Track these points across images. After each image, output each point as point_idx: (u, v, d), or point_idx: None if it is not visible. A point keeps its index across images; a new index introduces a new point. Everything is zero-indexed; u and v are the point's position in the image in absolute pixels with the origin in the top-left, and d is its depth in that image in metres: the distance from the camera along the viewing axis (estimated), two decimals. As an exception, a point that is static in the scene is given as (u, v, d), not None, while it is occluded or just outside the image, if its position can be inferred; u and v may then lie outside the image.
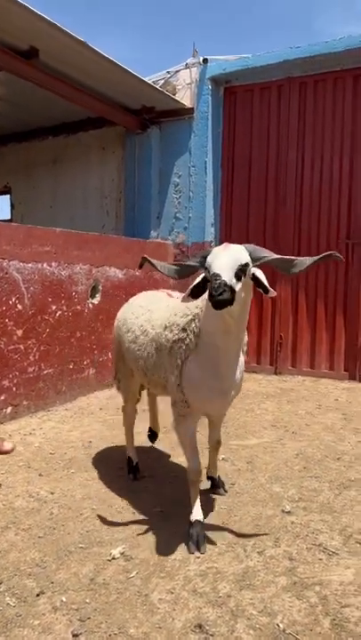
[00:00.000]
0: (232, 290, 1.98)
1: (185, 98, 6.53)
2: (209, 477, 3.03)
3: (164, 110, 6.52)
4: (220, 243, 6.78)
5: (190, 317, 2.45)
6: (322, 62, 5.98)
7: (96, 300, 5.30)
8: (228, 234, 6.70)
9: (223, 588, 2.10)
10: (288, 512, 2.75)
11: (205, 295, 2.19)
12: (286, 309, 6.34)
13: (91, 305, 5.22)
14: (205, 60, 6.36)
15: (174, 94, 6.52)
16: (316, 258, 2.09)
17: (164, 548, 2.39)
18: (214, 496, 2.95)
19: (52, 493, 3.00)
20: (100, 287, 5.35)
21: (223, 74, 6.38)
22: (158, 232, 6.78)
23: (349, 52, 5.75)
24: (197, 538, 2.40)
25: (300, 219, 6.32)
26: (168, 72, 6.61)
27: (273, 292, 2.13)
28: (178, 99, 6.45)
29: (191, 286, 2.20)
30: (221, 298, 1.93)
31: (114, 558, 2.30)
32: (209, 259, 2.09)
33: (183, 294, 2.27)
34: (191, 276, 2.29)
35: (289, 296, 6.34)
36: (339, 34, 5.91)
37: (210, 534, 2.50)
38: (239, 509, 2.76)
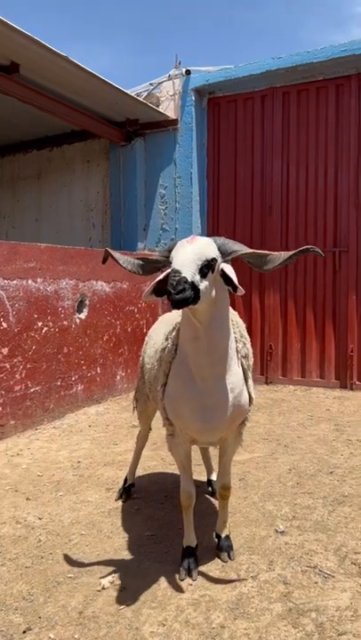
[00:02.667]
0: (194, 287, 1.80)
1: (168, 109, 6.51)
2: (216, 536, 2.55)
3: (148, 122, 6.50)
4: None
5: (172, 326, 2.34)
6: (304, 72, 6.00)
7: (83, 315, 5.23)
8: (215, 244, 6.65)
9: (217, 617, 2.03)
10: (282, 532, 2.69)
11: None
12: (275, 318, 6.31)
13: (78, 320, 5.15)
14: (188, 72, 6.36)
15: (158, 106, 6.51)
16: (291, 253, 1.94)
17: (156, 576, 2.32)
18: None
19: (39, 519, 2.92)
20: (87, 302, 5.28)
21: (206, 85, 6.38)
22: (145, 244, 6.74)
23: (331, 62, 5.77)
24: (189, 565, 2.33)
25: (287, 228, 6.30)
26: (151, 84, 6.60)
27: (241, 291, 1.95)
28: (161, 110, 6.44)
29: (153, 282, 2.02)
30: (180, 297, 1.75)
31: (103, 588, 2.23)
32: (173, 253, 1.94)
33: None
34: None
35: (278, 305, 6.31)
36: (323, 42, 5.93)
37: (203, 558, 2.43)
38: (232, 530, 2.69)
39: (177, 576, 2.32)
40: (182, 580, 2.28)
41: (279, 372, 6.33)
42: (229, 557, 2.44)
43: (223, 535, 2.51)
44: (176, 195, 6.57)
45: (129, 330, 5.94)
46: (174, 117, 6.46)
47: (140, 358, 3.04)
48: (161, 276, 2.00)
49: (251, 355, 2.42)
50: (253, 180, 6.46)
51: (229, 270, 1.97)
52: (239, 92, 6.40)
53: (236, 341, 2.25)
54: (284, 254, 1.95)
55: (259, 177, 6.43)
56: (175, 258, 1.88)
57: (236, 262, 2.07)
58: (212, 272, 1.92)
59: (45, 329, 4.74)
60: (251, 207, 6.49)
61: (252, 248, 6.52)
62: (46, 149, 7.33)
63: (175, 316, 2.68)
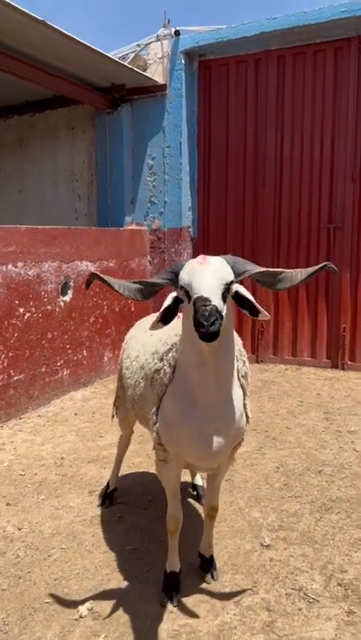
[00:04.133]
0: (222, 316, 1.65)
1: (157, 73, 6.13)
2: (199, 555, 2.46)
3: (135, 87, 6.13)
4: (198, 228, 6.56)
5: (169, 346, 2.15)
6: (301, 34, 5.62)
7: (67, 298, 5.05)
8: (205, 219, 6.43)
9: (197, 653, 1.97)
10: (267, 546, 2.63)
11: (179, 319, 1.91)
12: (267, 297, 6.14)
13: (62, 303, 4.97)
14: (177, 33, 5.95)
15: (145, 69, 6.12)
16: (310, 272, 1.80)
17: (136, 601, 2.25)
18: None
19: (19, 529, 2.83)
20: (72, 283, 5.09)
21: (196, 47, 5.98)
22: (133, 217, 6.48)
23: (330, 24, 5.40)
24: (171, 590, 2.25)
25: (280, 202, 6.06)
26: (138, 45, 6.19)
27: (266, 315, 1.83)
28: (149, 74, 6.06)
29: (161, 310, 1.83)
30: (214, 328, 1.59)
31: (81, 617, 2.16)
32: (185, 277, 1.75)
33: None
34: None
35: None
36: (321, 2, 5.54)
37: (186, 577, 2.36)
38: (217, 543, 2.61)
39: (159, 599, 2.25)
40: (163, 607, 2.21)
41: (270, 350, 6.22)
42: (213, 578, 2.37)
43: (207, 556, 2.42)
44: (165, 166, 6.27)
45: (116, 310, 5.77)
46: (163, 82, 6.09)
47: (118, 366, 2.88)
48: (169, 302, 1.83)
49: (249, 373, 2.26)
50: (246, 150, 6.16)
51: (245, 292, 1.84)
52: (232, 55, 6.01)
53: (236, 359, 2.08)
54: (301, 274, 1.81)
55: (252, 146, 6.13)
56: (197, 283, 1.70)
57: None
58: (229, 296, 1.78)
59: (28, 315, 4.56)
60: (243, 179, 6.21)
61: (244, 225, 6.29)
62: (28, 115, 6.93)
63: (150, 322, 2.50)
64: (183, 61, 6.04)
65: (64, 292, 5.02)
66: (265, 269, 1.86)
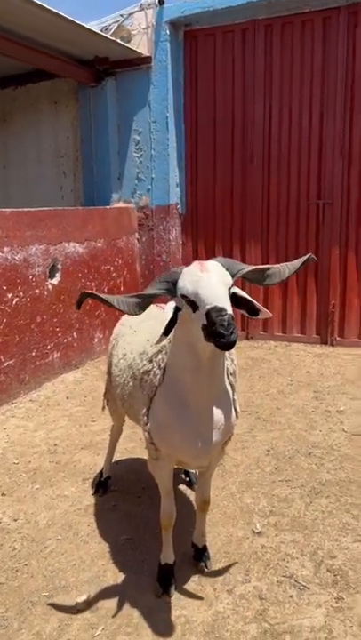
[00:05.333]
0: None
1: (141, 45, 5.94)
2: (192, 545, 2.51)
3: (119, 60, 5.95)
4: (186, 205, 6.47)
5: (158, 348, 2.16)
6: (289, 3, 5.46)
7: (56, 281, 5.00)
8: (193, 195, 6.35)
9: (192, 644, 2.04)
10: (258, 532, 2.69)
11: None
12: (256, 274, 6.12)
13: (50, 286, 4.93)
14: (161, 2, 5.75)
15: (129, 41, 5.94)
16: (297, 264, 1.85)
17: (132, 592, 2.31)
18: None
19: (15, 520, 2.88)
20: (60, 266, 5.04)
21: (182, 17, 5.79)
22: (120, 194, 6.38)
23: (319, -8, 5.24)
24: (166, 581, 2.31)
25: (269, 177, 5.98)
26: (121, 15, 5.98)
27: (268, 313, 1.86)
28: (133, 46, 5.88)
29: (165, 324, 1.79)
30: (234, 337, 1.61)
31: (79, 611, 2.22)
32: (188, 286, 1.74)
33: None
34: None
35: (260, 259, 6.12)
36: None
37: (180, 567, 2.42)
38: (210, 531, 2.67)
39: (153, 589, 2.32)
40: (158, 597, 2.28)
41: (260, 327, 6.25)
42: (206, 567, 2.44)
43: (200, 546, 2.48)
44: (151, 141, 6.15)
45: (106, 290, 5.74)
46: (148, 54, 5.91)
47: (107, 360, 2.89)
48: (170, 315, 1.79)
49: (238, 370, 2.28)
50: (234, 124, 6.05)
51: (242, 292, 1.86)
52: (218, 25, 5.83)
53: (225, 358, 2.10)
54: (287, 268, 1.84)
55: (240, 120, 6.01)
56: (204, 292, 1.69)
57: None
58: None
59: (16, 300, 4.53)
60: (231, 154, 6.11)
61: (233, 201, 6.25)
62: (9, 89, 6.73)
63: (139, 320, 2.50)
64: (168, 32, 5.86)
65: (52, 275, 4.97)
66: (254, 267, 1.87)
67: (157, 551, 2.43)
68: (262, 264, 6.04)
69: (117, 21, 6.00)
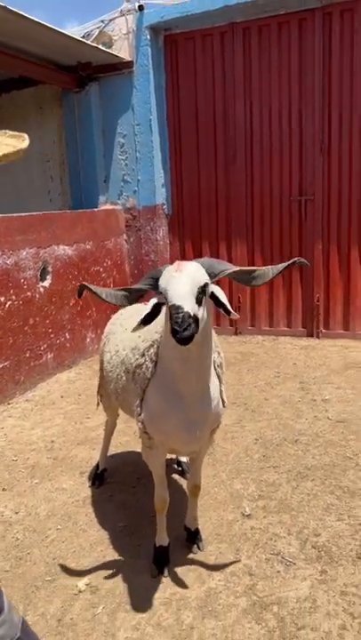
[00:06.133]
0: (196, 320, 1.77)
1: (123, 49, 6.08)
2: (185, 528, 2.66)
3: (101, 65, 6.07)
4: (172, 205, 6.62)
5: (149, 343, 2.30)
6: (265, 5, 5.61)
7: (47, 283, 5.13)
8: (179, 195, 6.49)
9: (187, 617, 2.19)
10: (248, 515, 2.85)
11: (162, 317, 2.05)
12: (242, 270, 6.28)
13: (42, 289, 5.06)
14: (141, 8, 5.88)
15: (111, 46, 6.06)
16: (281, 267, 1.93)
17: (129, 574, 2.46)
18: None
19: (16, 513, 3.02)
20: (50, 268, 5.17)
21: (161, 22, 5.93)
22: (107, 196, 6.51)
23: (293, -5, 5.40)
24: (161, 562, 2.46)
25: (252, 176, 6.14)
26: (102, 21, 6.11)
27: (236, 315, 1.96)
28: (115, 51, 6.01)
29: (142, 316, 1.95)
30: (187, 333, 1.72)
31: (80, 591, 2.36)
32: (162, 283, 1.87)
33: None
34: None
35: (245, 256, 6.28)
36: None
37: (174, 549, 2.57)
38: (202, 515, 2.83)
39: (150, 570, 2.47)
40: (154, 577, 2.43)
41: (248, 322, 6.41)
42: (199, 549, 2.59)
43: (193, 529, 2.64)
44: (136, 143, 6.28)
45: (95, 290, 5.86)
46: (129, 59, 6.04)
47: (100, 357, 3.03)
48: (148, 309, 1.95)
49: (224, 363, 2.43)
50: (216, 125, 6.20)
51: (219, 292, 1.96)
52: (197, 29, 5.98)
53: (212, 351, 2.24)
54: (272, 270, 1.93)
55: (221, 121, 6.17)
56: (170, 291, 1.81)
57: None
58: (205, 297, 1.90)
59: (9, 303, 4.65)
60: (214, 154, 6.27)
61: (217, 200, 6.37)
62: (-6, 95, 6.83)
63: (129, 318, 2.66)
64: (149, 37, 5.99)
65: (43, 278, 5.10)
66: (239, 268, 1.99)
67: (152, 536, 2.57)
68: (248, 261, 6.24)
69: (99, 27, 6.13)
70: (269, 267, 1.98)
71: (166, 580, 2.41)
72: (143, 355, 2.32)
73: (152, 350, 2.28)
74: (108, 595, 2.34)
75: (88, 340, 5.77)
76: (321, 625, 2.09)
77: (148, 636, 2.10)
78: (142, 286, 2.00)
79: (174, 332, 1.73)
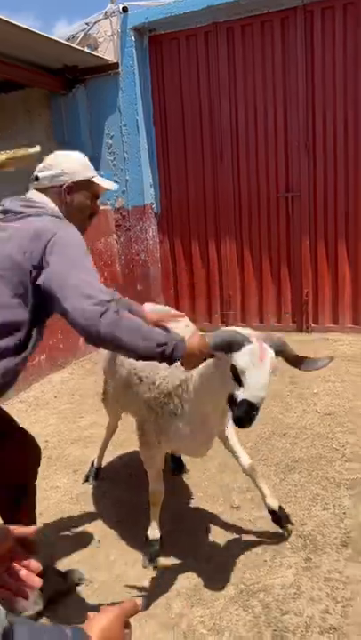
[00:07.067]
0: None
1: (108, 51, 6.13)
2: (269, 511, 2.64)
3: (87, 67, 6.12)
4: (161, 204, 6.68)
5: (177, 383, 2.24)
6: (248, 5, 5.66)
7: (38, 285, 5.19)
8: (167, 194, 6.56)
9: (176, 606, 2.28)
10: (237, 507, 2.94)
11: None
12: (233, 267, 6.37)
13: (33, 291, 5.12)
14: (125, 9, 5.93)
15: (96, 48, 6.11)
16: (325, 362, 2.07)
17: (123, 567, 2.56)
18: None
19: (12, 511, 3.10)
20: (41, 271, 5.23)
21: (146, 23, 5.97)
22: (96, 197, 6.56)
23: (275, -6, 5.46)
24: (152, 554, 2.55)
25: (239, 174, 6.21)
26: (87, 23, 6.15)
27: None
28: (100, 53, 6.06)
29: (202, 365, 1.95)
30: (250, 425, 1.81)
31: (76, 584, 2.45)
32: (241, 362, 1.82)
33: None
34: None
35: (234, 253, 6.36)
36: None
37: (164, 542, 2.66)
38: (193, 508, 2.92)
39: (142, 565, 2.56)
40: (145, 568, 2.52)
41: (239, 319, 6.49)
42: (287, 532, 2.62)
43: (277, 507, 2.62)
44: (123, 144, 6.34)
45: (87, 291, 5.94)
46: (115, 60, 6.09)
47: (106, 364, 3.02)
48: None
49: None
50: (202, 124, 6.26)
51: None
52: (181, 30, 6.03)
53: None
54: (317, 363, 2.07)
55: (207, 120, 6.22)
56: (254, 383, 1.81)
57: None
58: None
59: (1, 306, 4.71)
60: (201, 153, 6.33)
61: (206, 198, 6.39)
62: (-18, 99, 6.88)
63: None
64: (133, 38, 6.04)
65: (34, 280, 5.16)
66: (296, 355, 2.08)
67: (143, 531, 2.67)
68: (237, 257, 6.32)
69: (84, 29, 6.17)
70: (318, 358, 2.08)
71: (157, 572, 2.50)
72: (170, 394, 2.29)
73: (180, 390, 2.25)
74: (101, 587, 2.44)
75: (80, 340, 5.81)
76: (304, 610, 2.19)
77: (138, 625, 2.19)
78: (215, 345, 1.88)
79: (239, 422, 1.80)
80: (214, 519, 2.86)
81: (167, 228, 6.66)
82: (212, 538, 2.71)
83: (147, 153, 6.38)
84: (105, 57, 6.05)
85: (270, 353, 1.89)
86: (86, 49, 5.92)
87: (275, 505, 2.63)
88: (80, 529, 2.89)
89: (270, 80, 5.90)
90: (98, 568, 2.56)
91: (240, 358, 1.83)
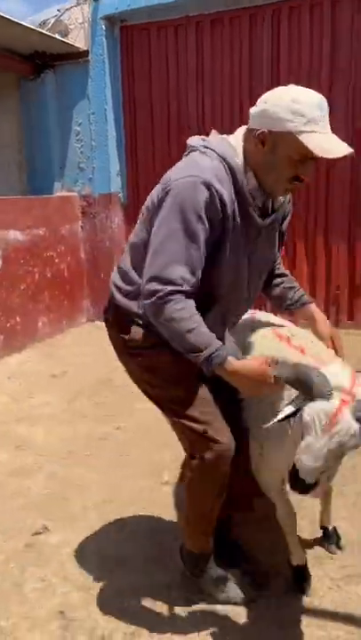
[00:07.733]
0: None
1: (79, 39, 6.17)
2: (322, 527, 2.44)
3: (57, 54, 6.16)
4: (128, 193, 6.75)
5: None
6: (217, 1, 5.76)
7: (-3, 267, 5.26)
8: (134, 184, 6.63)
9: (91, 570, 2.38)
10: (165, 482, 3.06)
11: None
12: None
13: (-8, 272, 5.18)
14: (96, -2, 5.98)
15: (67, 35, 6.15)
16: None
17: (48, 535, 2.65)
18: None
19: None
20: (0, 253, 5.28)
21: (116, 13, 6.03)
22: (63, 183, 6.62)
23: (243, -9, 5.56)
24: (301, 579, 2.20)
25: (204, 167, 6.30)
26: (58, 10, 6.19)
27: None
28: (71, 40, 6.10)
29: (281, 417, 1.64)
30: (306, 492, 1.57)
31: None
32: (307, 417, 1.53)
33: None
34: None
35: (197, 245, 6.45)
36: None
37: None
38: (124, 481, 3.03)
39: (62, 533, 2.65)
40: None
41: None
42: (338, 548, 2.39)
43: (329, 527, 2.44)
44: (91, 132, 6.39)
45: (49, 276, 6.00)
46: (85, 48, 6.14)
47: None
48: (288, 413, 1.63)
49: None
50: (170, 116, 6.32)
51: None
52: (152, 21, 6.10)
53: None
54: None
55: (175, 112, 6.29)
56: (309, 447, 1.50)
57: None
58: None
59: None
60: (168, 144, 6.39)
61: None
62: None
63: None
64: (104, 27, 6.09)
65: (-7, 262, 5.22)
66: None
67: (75, 502, 2.76)
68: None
69: (55, 16, 6.20)
70: None
71: (74, 539, 2.60)
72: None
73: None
74: (15, 553, 2.52)
75: (40, 324, 5.89)
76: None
77: (53, 586, 2.29)
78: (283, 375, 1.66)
79: (296, 488, 1.56)
80: (144, 493, 2.97)
81: (134, 216, 6.61)
82: (143, 510, 2.82)
83: (114, 142, 6.45)
84: (75, 44, 6.09)
85: (351, 425, 1.48)
86: (57, 35, 5.96)
87: (328, 524, 2.45)
88: (13, 500, 2.97)
89: (237, 74, 5.99)
90: (24, 540, 2.65)
91: (307, 410, 1.53)
